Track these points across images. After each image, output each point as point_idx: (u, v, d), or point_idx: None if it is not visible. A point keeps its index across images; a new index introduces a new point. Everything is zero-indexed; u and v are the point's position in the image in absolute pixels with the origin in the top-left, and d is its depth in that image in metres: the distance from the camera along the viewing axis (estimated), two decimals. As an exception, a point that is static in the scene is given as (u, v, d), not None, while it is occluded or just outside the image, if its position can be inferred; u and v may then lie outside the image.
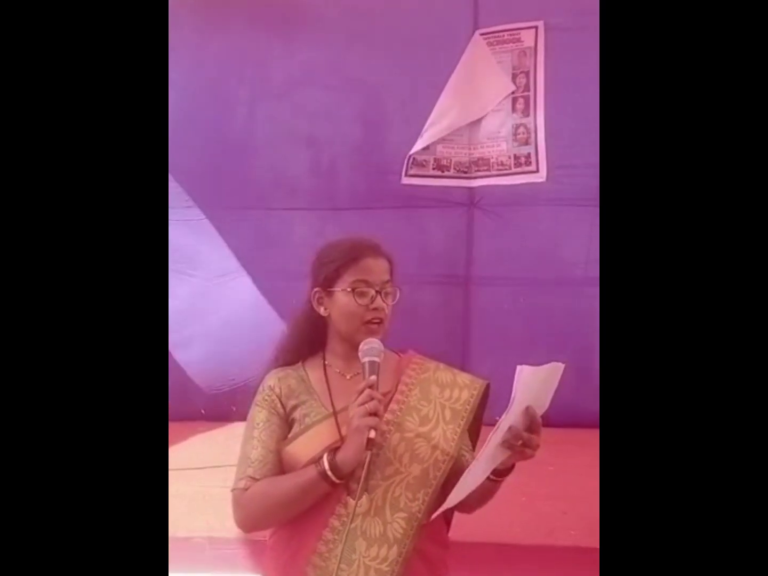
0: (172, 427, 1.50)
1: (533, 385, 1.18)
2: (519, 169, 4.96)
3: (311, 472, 1.28)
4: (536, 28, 4.90)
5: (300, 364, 1.46)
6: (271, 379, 1.42)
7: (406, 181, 5.04)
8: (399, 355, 1.49)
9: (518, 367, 1.15)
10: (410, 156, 5.00)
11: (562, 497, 3.10)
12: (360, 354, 1.32)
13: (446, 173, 5.07)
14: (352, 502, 1.27)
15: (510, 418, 1.18)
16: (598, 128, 1.07)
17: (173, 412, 1.61)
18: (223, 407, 4.98)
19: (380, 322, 1.38)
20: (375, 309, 1.37)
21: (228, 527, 2.88)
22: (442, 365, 1.48)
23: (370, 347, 1.32)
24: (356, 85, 5.03)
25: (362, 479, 1.25)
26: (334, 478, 1.26)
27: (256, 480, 1.33)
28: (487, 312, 4.82)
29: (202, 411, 5.00)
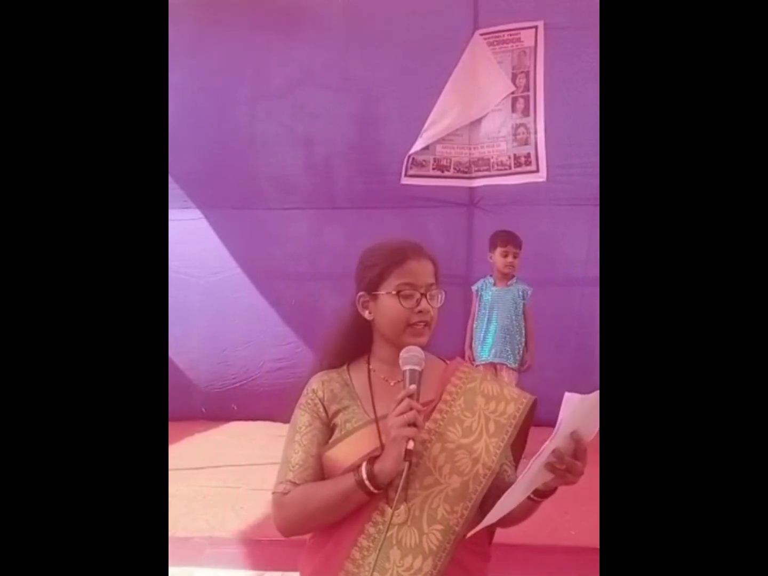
0: (172, 427, 1.50)
1: (579, 412, 1.15)
2: (519, 169, 4.96)
3: (349, 480, 1.26)
4: (536, 28, 4.90)
5: (345, 367, 1.44)
6: (315, 383, 1.41)
7: (405, 181, 5.05)
8: (445, 362, 1.46)
9: (566, 395, 1.12)
10: (410, 156, 5.00)
11: (563, 497, 3.09)
12: (400, 362, 1.30)
13: (446, 173, 5.07)
14: (389, 510, 1.26)
15: (555, 444, 1.16)
16: (598, 128, 1.06)
17: (173, 412, 1.62)
18: (224, 406, 4.99)
19: (426, 325, 1.36)
20: (420, 312, 1.34)
21: (228, 527, 2.90)
22: (489, 375, 1.43)
23: (411, 355, 1.30)
24: (356, 85, 5.03)
25: (399, 489, 1.23)
26: (371, 488, 1.24)
27: (296, 485, 1.32)
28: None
29: (203, 410, 5.00)
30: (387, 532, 1.25)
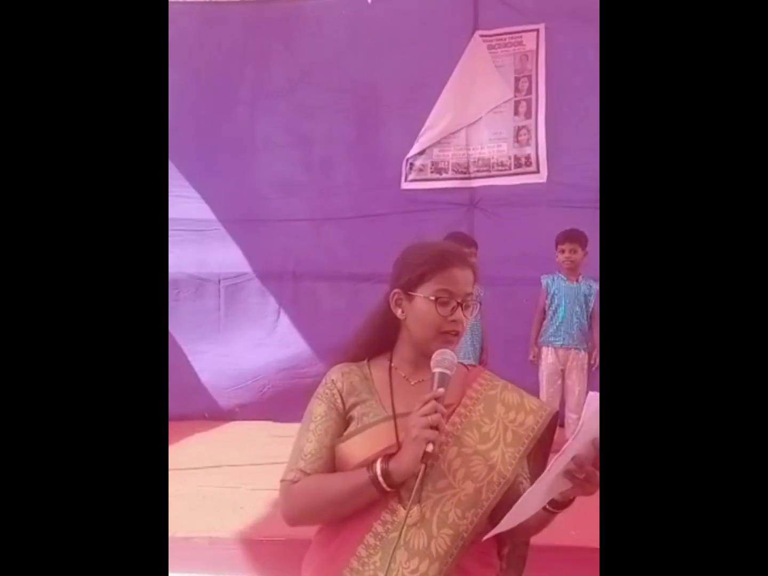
0: (173, 427, 1.50)
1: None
2: (519, 170, 4.97)
3: (363, 476, 1.25)
4: (537, 31, 4.91)
5: (365, 361, 1.44)
6: (335, 374, 1.40)
7: (405, 186, 5.07)
8: (467, 368, 1.46)
9: (590, 394, 1.10)
10: (408, 161, 5.02)
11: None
12: (432, 363, 1.28)
13: (444, 175, 5.09)
14: (400, 510, 1.25)
15: (576, 446, 1.13)
16: (598, 130, 1.07)
17: (174, 412, 1.62)
18: (228, 408, 5.01)
19: (456, 334, 1.35)
20: (454, 321, 1.34)
21: (228, 527, 2.89)
22: (510, 385, 1.42)
23: (444, 358, 1.28)
24: (357, 88, 5.04)
25: (414, 491, 1.21)
26: (384, 486, 1.23)
27: (307, 474, 1.31)
28: (488, 312, 4.84)
29: (206, 415, 5.01)
30: (397, 532, 1.23)
